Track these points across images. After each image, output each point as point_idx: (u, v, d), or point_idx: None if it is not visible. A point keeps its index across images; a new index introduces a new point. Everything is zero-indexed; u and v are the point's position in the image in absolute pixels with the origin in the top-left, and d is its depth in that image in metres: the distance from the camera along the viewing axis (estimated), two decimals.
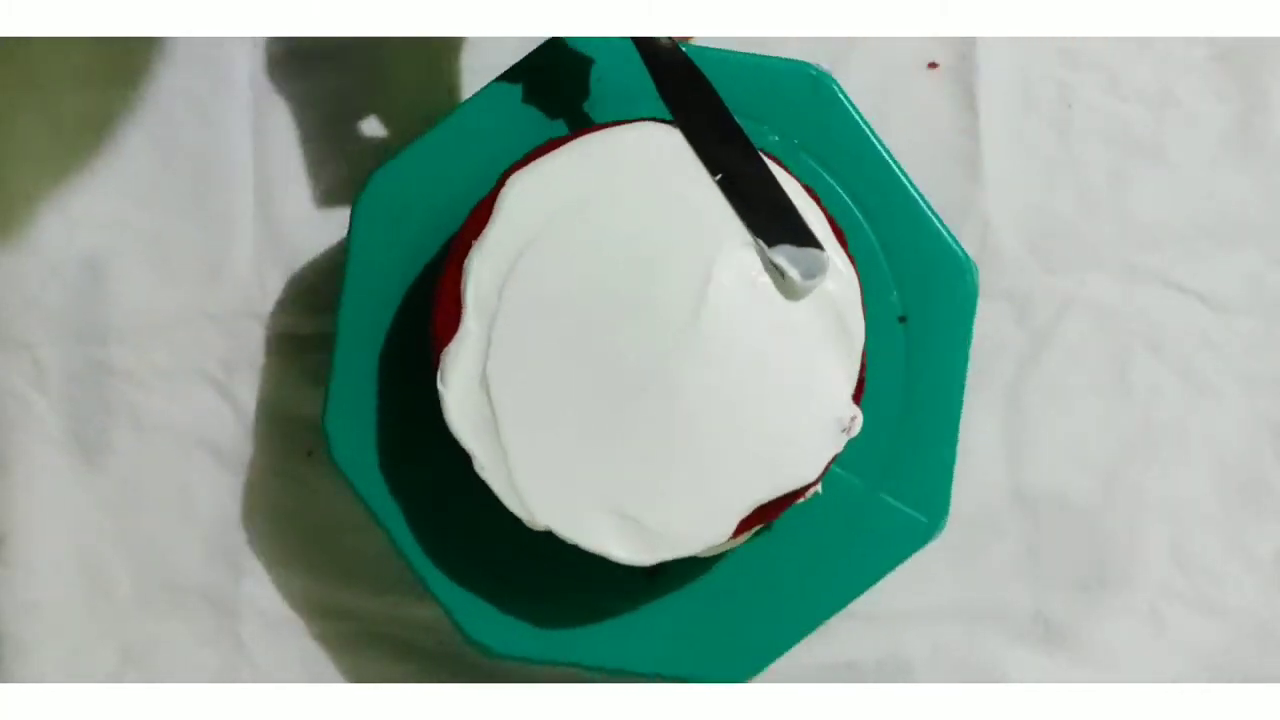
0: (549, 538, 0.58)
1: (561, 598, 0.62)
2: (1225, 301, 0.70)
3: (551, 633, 0.62)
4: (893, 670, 0.68)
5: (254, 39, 0.70)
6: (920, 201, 0.63)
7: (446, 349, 0.58)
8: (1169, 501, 0.69)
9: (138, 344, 0.69)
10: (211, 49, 0.70)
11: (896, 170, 0.63)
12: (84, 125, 0.70)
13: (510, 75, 0.63)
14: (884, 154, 0.64)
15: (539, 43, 0.63)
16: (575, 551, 0.58)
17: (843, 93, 0.64)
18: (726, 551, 0.62)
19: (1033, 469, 0.69)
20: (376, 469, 0.62)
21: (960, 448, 0.64)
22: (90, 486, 0.69)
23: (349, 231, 0.63)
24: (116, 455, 0.69)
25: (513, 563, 0.62)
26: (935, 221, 0.63)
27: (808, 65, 0.63)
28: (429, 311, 0.60)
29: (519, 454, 0.58)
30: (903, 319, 0.63)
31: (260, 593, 0.69)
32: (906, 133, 0.68)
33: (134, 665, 0.69)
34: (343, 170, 0.70)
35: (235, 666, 0.69)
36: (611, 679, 0.65)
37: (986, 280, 0.69)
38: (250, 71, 0.70)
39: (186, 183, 0.70)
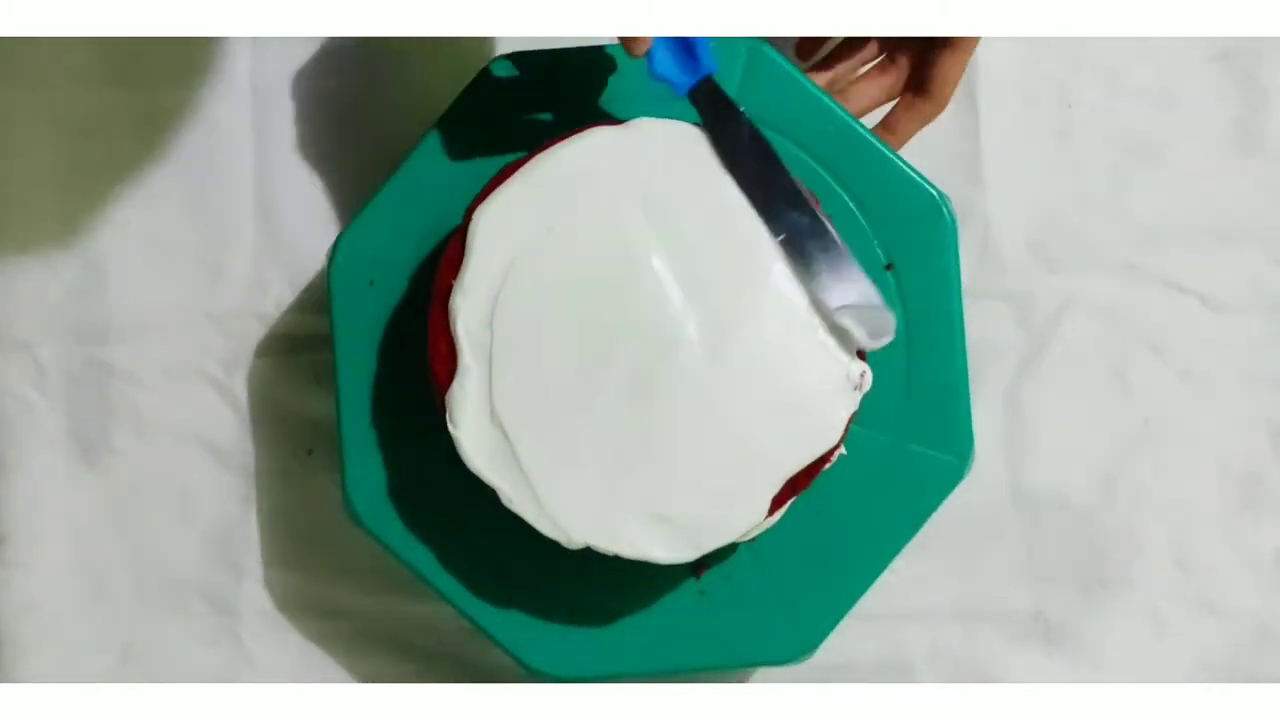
0: (589, 555, 0.58)
1: (614, 610, 0.62)
2: (1225, 301, 0.70)
3: (612, 647, 0.62)
4: (892, 670, 0.68)
5: (254, 39, 0.70)
6: (880, 147, 0.63)
7: (450, 391, 0.58)
8: (1169, 501, 0.69)
9: (138, 344, 0.69)
10: (211, 49, 0.70)
11: (852, 123, 0.63)
12: (84, 125, 0.70)
13: (452, 114, 0.63)
14: (836, 109, 0.63)
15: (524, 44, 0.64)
16: (618, 562, 0.58)
17: (780, 57, 0.63)
18: (766, 532, 0.61)
19: (1033, 469, 0.69)
20: (413, 534, 0.62)
21: None
22: (90, 486, 0.69)
23: (330, 302, 0.62)
24: (116, 455, 0.69)
25: (561, 587, 0.62)
26: (900, 164, 0.63)
27: (739, 39, 0.63)
28: (424, 360, 0.60)
29: (542, 478, 0.57)
30: (889, 266, 0.63)
31: (260, 593, 0.69)
32: None
33: (134, 665, 0.69)
34: (343, 170, 0.70)
35: (235, 666, 0.69)
36: (676, 680, 0.65)
37: (986, 280, 0.69)
38: (250, 71, 0.70)
39: (186, 183, 0.70)
